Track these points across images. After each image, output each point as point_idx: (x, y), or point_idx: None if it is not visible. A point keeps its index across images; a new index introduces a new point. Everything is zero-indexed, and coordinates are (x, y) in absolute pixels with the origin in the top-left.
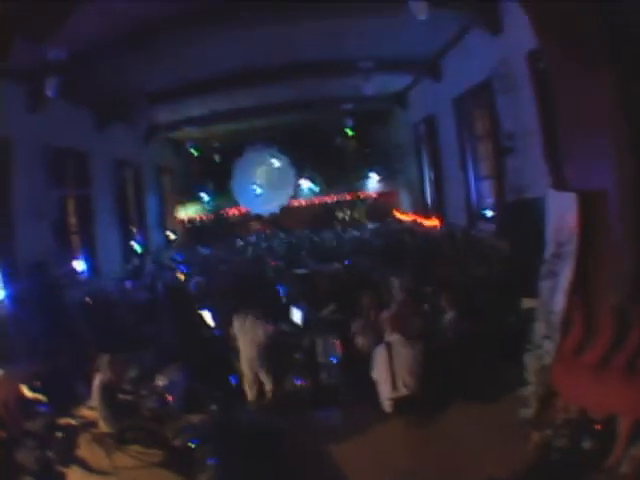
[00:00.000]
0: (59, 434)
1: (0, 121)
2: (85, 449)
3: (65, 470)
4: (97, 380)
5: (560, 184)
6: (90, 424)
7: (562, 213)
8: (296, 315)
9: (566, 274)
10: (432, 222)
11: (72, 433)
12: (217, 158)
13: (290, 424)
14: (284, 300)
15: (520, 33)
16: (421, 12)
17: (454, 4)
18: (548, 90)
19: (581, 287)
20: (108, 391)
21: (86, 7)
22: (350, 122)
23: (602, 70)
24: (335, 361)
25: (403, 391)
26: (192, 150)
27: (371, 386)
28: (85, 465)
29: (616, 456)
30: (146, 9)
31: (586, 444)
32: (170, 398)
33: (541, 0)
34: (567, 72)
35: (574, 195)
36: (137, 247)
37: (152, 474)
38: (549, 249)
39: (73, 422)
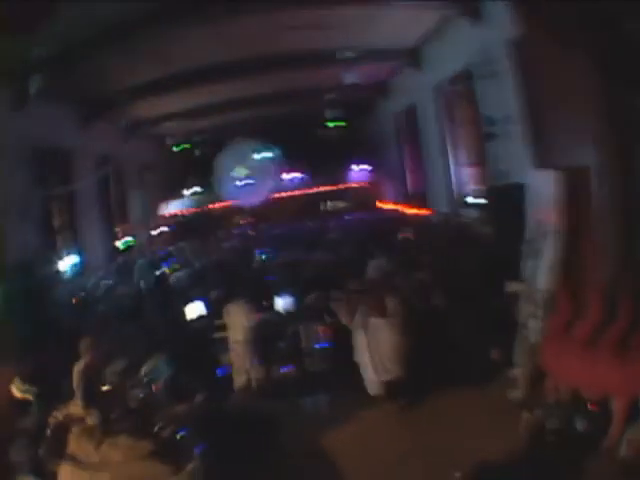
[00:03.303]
0: (49, 431)
1: None
2: (75, 444)
3: (56, 467)
4: (78, 365)
5: (542, 164)
6: (79, 420)
7: (545, 191)
8: (284, 303)
9: (550, 252)
10: (418, 210)
11: (61, 430)
12: (200, 152)
13: (278, 411)
14: (270, 288)
15: (502, 20)
16: None
17: None
18: (530, 75)
19: (568, 264)
20: (88, 374)
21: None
22: (333, 113)
23: (581, 52)
24: (321, 347)
25: (385, 375)
26: (174, 145)
27: (357, 370)
28: (75, 461)
29: (612, 438)
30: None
31: (580, 425)
32: (155, 386)
33: None
34: (547, 55)
35: (557, 172)
36: (121, 244)
37: (142, 466)
38: (535, 229)
39: (62, 419)
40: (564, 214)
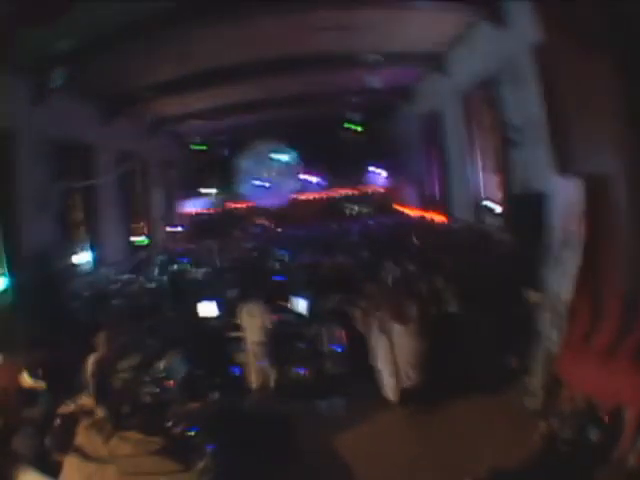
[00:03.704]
0: (58, 422)
1: (4, 113)
2: (83, 436)
3: (62, 458)
4: (92, 357)
5: (565, 170)
6: (89, 412)
7: (568, 200)
8: (301, 305)
9: (573, 261)
10: (437, 216)
11: (71, 421)
12: (222, 152)
13: (293, 413)
14: (288, 290)
15: (526, 26)
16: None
17: None
18: (553, 82)
19: (588, 273)
20: (102, 367)
21: None
22: (356, 116)
23: (603, 58)
24: (339, 350)
25: (406, 382)
26: (195, 144)
27: (374, 375)
28: (82, 453)
29: (623, 448)
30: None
31: (593, 434)
32: (170, 383)
33: None
34: (571, 61)
35: (580, 181)
36: (140, 240)
37: (151, 461)
38: (556, 237)
39: (72, 410)
40: (585, 221)
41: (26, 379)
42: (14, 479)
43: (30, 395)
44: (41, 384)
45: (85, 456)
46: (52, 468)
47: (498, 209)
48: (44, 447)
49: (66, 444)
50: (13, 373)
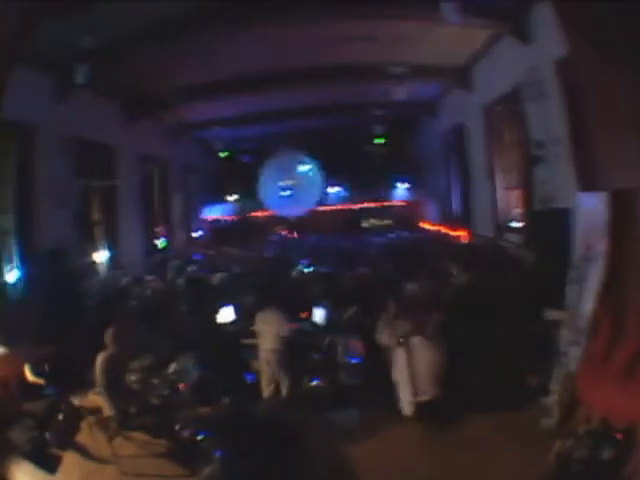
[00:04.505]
0: (60, 417)
1: (26, 108)
2: (86, 434)
3: (62, 454)
4: (103, 355)
5: (589, 186)
6: (95, 410)
7: (592, 215)
8: (319, 315)
9: (595, 277)
10: (458, 232)
11: (75, 417)
12: (245, 160)
13: (306, 422)
14: (307, 299)
15: (550, 41)
16: (453, 15)
17: (485, 12)
18: (576, 97)
19: (611, 288)
20: (113, 365)
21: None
22: (380, 129)
23: (628, 70)
24: (355, 362)
25: (423, 396)
26: (219, 151)
27: (391, 388)
28: (84, 450)
29: (634, 465)
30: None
31: (606, 453)
32: (182, 386)
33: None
34: (595, 75)
35: (605, 195)
36: (160, 243)
37: (155, 464)
38: (578, 253)
39: (77, 407)
40: (610, 236)
41: (28, 373)
42: (8, 470)
43: (32, 388)
44: (41, 380)
45: (86, 454)
46: (48, 462)
47: (521, 225)
48: (43, 440)
49: (67, 440)
50: (16, 366)
